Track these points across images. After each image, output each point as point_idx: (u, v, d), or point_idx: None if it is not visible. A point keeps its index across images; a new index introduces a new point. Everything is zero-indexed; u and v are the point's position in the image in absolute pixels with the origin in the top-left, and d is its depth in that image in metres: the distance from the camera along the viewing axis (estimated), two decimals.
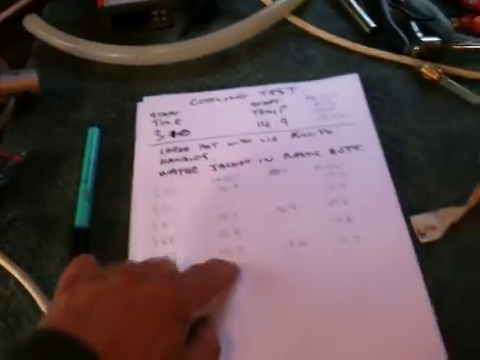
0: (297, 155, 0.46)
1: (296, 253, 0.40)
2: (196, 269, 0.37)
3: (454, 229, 0.41)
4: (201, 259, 0.39)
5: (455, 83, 0.51)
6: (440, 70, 0.52)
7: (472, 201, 0.42)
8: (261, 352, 0.36)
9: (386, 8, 0.57)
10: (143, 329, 0.30)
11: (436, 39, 0.53)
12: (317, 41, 0.57)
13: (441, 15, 0.56)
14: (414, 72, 0.53)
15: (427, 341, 0.36)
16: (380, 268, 0.39)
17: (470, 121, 0.48)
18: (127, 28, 0.60)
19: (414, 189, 0.44)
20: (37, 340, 0.29)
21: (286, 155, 0.47)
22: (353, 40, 0.56)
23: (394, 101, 0.51)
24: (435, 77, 0.51)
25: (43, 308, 0.39)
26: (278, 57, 0.56)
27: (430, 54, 0.53)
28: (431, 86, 0.52)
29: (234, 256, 0.41)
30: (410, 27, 0.55)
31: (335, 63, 0.55)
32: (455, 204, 0.42)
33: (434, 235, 0.41)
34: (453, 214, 0.42)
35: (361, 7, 0.59)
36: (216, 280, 0.38)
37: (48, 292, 0.40)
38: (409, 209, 0.43)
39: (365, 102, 0.50)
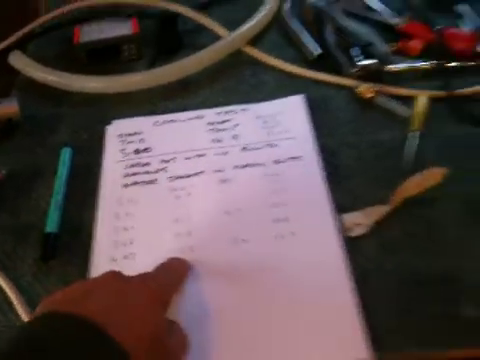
0: (245, 166, 0.52)
1: (239, 249, 0.46)
2: (162, 267, 0.43)
3: (379, 225, 0.47)
4: (157, 258, 0.44)
5: (388, 99, 0.57)
6: (376, 89, 0.58)
7: (394, 200, 0.48)
8: (209, 335, 0.41)
9: (330, 36, 0.64)
10: (133, 311, 0.35)
11: (372, 62, 0.60)
12: (270, 68, 0.64)
13: (379, 41, 0.63)
14: (353, 92, 0.59)
15: (349, 322, 0.41)
16: (311, 258, 0.45)
17: (400, 132, 0.54)
18: (101, 61, 0.67)
19: (346, 192, 0.50)
20: (39, 319, 0.33)
21: (236, 166, 0.53)
22: (301, 66, 0.63)
23: (334, 118, 0.57)
24: (371, 95, 0.58)
25: (16, 303, 0.44)
26: (234, 83, 0.63)
27: (368, 75, 0.60)
28: (367, 103, 0.58)
29: (186, 254, 0.46)
30: (351, 52, 0.62)
31: (285, 86, 0.61)
32: (381, 204, 0.48)
33: (361, 230, 0.47)
34: (377, 212, 0.47)
35: (310, 36, 0.65)
36: (178, 274, 0.44)
37: (20, 289, 0.45)
38: (341, 209, 0.48)
39: (306, 119, 0.56)
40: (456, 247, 0.45)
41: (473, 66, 0.60)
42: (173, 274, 0.44)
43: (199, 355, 0.40)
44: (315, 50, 0.63)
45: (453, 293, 0.42)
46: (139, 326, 0.34)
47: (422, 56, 0.62)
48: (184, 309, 0.43)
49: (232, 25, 0.68)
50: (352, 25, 0.65)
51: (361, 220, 0.47)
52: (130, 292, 0.37)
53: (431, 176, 0.48)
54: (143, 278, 0.40)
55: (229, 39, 0.64)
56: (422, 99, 0.56)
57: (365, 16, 0.67)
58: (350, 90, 0.60)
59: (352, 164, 0.52)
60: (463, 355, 0.40)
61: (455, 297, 0.42)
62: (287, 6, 0.71)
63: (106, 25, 0.68)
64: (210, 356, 0.40)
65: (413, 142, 0.53)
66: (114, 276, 0.38)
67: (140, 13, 0.72)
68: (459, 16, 0.67)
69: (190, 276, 0.45)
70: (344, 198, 0.49)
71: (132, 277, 0.39)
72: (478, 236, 0.45)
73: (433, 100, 0.57)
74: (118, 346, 0.32)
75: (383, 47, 0.62)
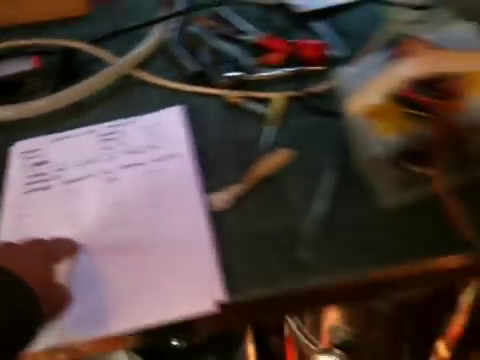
0: (130, 166, 0.62)
1: (122, 231, 0.55)
2: (49, 237, 0.52)
3: (239, 200, 0.57)
4: None
5: (251, 102, 0.68)
6: (241, 95, 0.69)
7: (249, 179, 0.58)
8: (100, 294, 0.51)
9: (205, 57, 0.75)
10: (27, 262, 0.45)
11: (238, 74, 0.71)
12: (155, 87, 0.74)
13: (245, 56, 0.74)
14: (223, 99, 0.70)
15: (209, 272, 0.50)
16: (181, 229, 0.55)
17: (260, 128, 0.65)
18: (6, 94, 0.75)
19: (215, 178, 0.60)
20: None
21: (122, 167, 0.62)
22: (182, 82, 0.73)
23: (208, 121, 0.68)
24: (237, 100, 0.68)
25: None
26: (124, 101, 0.73)
27: (236, 84, 0.71)
28: (234, 107, 0.68)
29: (77, 239, 0.55)
30: (222, 67, 0.73)
31: (168, 101, 0.71)
32: (241, 184, 0.58)
33: (223, 205, 0.56)
34: (237, 190, 0.57)
35: (189, 58, 0.76)
36: (63, 243, 0.53)
37: None
38: (210, 191, 0.58)
39: (183, 125, 0.66)
40: (297, 210, 0.55)
41: (321, 69, 0.72)
42: (59, 242, 0.53)
43: (92, 311, 0.49)
44: (192, 68, 0.74)
45: (295, 244, 0.52)
46: (33, 273, 0.44)
47: (283, 65, 0.74)
48: (78, 277, 0.52)
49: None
50: (223, 46, 0.77)
51: (224, 197, 0.57)
52: (23, 249, 0.47)
53: (279, 157, 0.59)
54: (32, 240, 0.49)
55: (117, 65, 0.74)
56: (279, 99, 0.68)
57: (235, 37, 0.79)
58: (221, 98, 0.70)
59: (221, 156, 0.63)
60: (304, 292, 0.50)
61: (296, 246, 0.52)
62: (171, 34, 0.82)
63: (11, 63, 0.77)
64: (102, 310, 0.50)
65: (269, 133, 0.63)
66: (5, 243, 0.48)
67: (44, 50, 0.81)
68: (314, 31, 0.79)
69: (80, 252, 0.54)
70: (213, 182, 0.59)
71: (22, 243, 0.49)
72: (313, 201, 0.56)
73: (291, 99, 0.68)
74: (26, 285, 0.41)
75: (248, 61, 0.74)
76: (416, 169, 0.49)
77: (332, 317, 0.81)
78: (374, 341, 0.81)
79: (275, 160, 0.59)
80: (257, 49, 0.77)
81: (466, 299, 0.71)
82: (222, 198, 0.57)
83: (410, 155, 0.49)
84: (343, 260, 0.50)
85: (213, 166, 0.61)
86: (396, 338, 0.79)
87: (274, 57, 0.74)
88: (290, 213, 0.55)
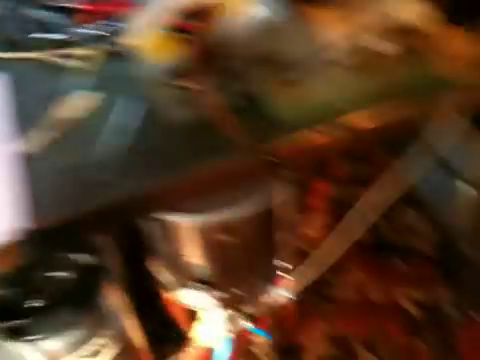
0: None
1: None
2: None
3: (49, 142, 0.62)
4: None
5: (66, 60, 0.73)
6: (58, 54, 0.74)
7: (58, 125, 0.63)
8: None
9: (27, 26, 0.79)
10: None
11: (53, 36, 0.76)
12: None
13: (61, 20, 0.79)
14: (41, 61, 0.74)
15: (14, 208, 0.56)
16: None
17: (73, 80, 0.70)
18: None
19: (30, 127, 0.64)
20: None
21: None
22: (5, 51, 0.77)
23: (26, 81, 0.72)
24: (54, 60, 0.73)
25: None
26: None
27: (54, 46, 0.76)
28: (52, 66, 0.73)
29: None
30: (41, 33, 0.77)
31: None
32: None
33: (34, 148, 0.61)
34: (47, 134, 0.62)
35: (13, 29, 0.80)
36: None
37: None
38: (24, 137, 0.63)
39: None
40: (100, 143, 0.61)
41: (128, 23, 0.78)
42: None
43: None
44: (11, 37, 0.78)
45: (95, 171, 0.58)
46: None
47: (95, 23, 0.79)
48: None
49: None
50: (42, 14, 0.81)
51: (35, 141, 0.62)
52: None
53: (86, 102, 0.65)
54: None
55: None
56: (91, 53, 0.73)
57: (53, 5, 0.83)
58: (40, 60, 0.75)
59: (36, 108, 0.67)
60: (102, 210, 0.56)
61: (96, 173, 0.58)
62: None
63: None
64: None
65: (80, 83, 0.69)
66: None
67: None
68: None
69: None
70: (28, 131, 0.64)
71: None
72: (114, 133, 0.62)
73: (105, 52, 0.74)
74: None
75: (63, 23, 0.79)
76: (188, 86, 0.56)
77: (191, 255, 0.88)
78: (228, 270, 0.89)
79: (82, 104, 0.64)
80: (72, 13, 0.82)
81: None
82: (34, 142, 0.62)
83: (182, 75, 0.56)
84: (137, 177, 0.57)
85: (28, 118, 0.66)
86: (247, 262, 0.87)
87: (85, 18, 0.80)
88: (94, 147, 0.61)
